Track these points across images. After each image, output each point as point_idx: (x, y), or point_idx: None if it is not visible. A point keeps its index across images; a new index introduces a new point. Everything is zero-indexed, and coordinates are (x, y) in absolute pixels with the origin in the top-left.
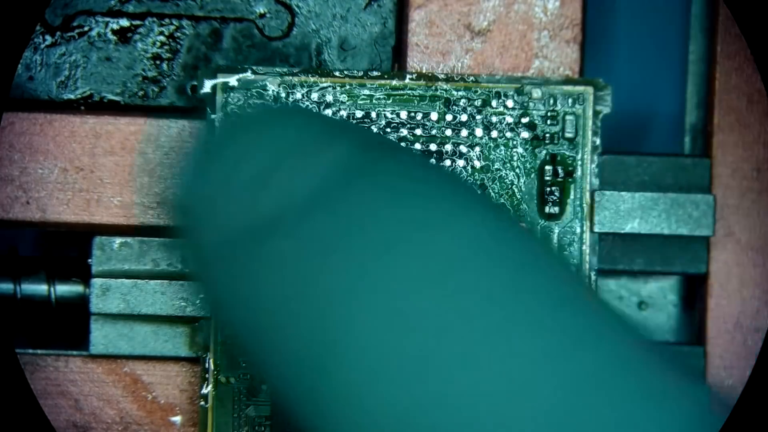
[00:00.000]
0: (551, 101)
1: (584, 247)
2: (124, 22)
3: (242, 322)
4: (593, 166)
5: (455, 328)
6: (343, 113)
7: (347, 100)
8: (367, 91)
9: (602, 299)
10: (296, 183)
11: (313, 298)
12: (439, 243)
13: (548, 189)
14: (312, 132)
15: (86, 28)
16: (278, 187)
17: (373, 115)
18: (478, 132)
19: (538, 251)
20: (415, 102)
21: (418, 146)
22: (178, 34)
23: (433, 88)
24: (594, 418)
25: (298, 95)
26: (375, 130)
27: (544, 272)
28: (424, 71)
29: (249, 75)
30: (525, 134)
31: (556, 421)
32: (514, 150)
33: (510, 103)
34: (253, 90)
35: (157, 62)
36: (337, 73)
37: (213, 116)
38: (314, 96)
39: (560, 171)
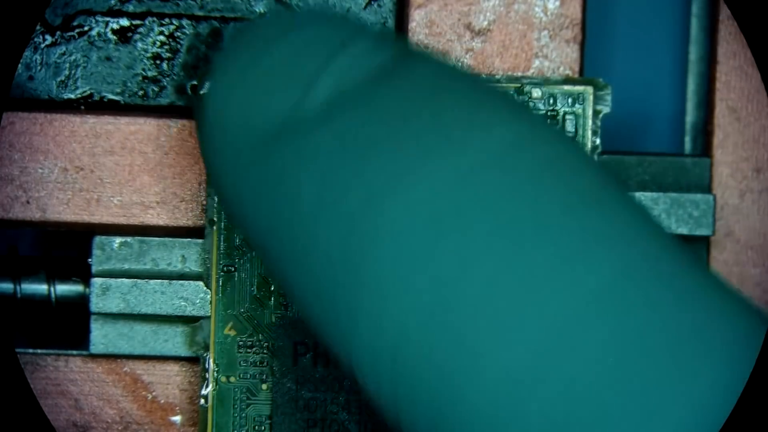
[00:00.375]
0: (551, 101)
1: None
2: (124, 22)
3: (273, 218)
4: None
5: (491, 230)
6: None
7: None
8: None
9: (634, 201)
10: (341, 79)
11: (354, 190)
12: (481, 143)
13: None
14: (321, 36)
15: (86, 28)
16: (324, 83)
17: None
18: None
19: (569, 152)
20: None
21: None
22: (178, 33)
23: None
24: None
25: None
26: None
27: (573, 172)
28: None
29: None
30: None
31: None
32: None
33: None
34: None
35: (157, 62)
36: None
37: None
38: None
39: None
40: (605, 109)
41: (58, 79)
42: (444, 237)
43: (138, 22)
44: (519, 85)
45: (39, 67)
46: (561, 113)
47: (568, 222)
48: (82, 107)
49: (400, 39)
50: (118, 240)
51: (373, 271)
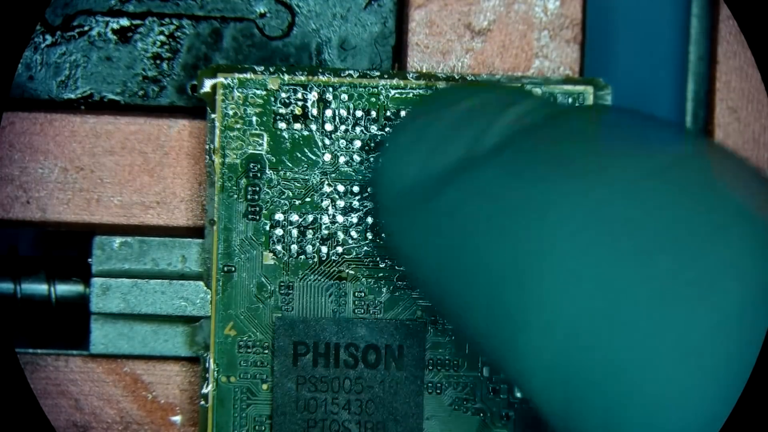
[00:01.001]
0: (551, 100)
1: None
2: (125, 22)
3: (449, 240)
4: None
5: (652, 243)
6: (343, 112)
7: (347, 100)
8: (367, 91)
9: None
10: (510, 126)
11: (522, 209)
12: (641, 164)
13: None
14: (490, 100)
15: (86, 28)
16: (494, 131)
17: (373, 114)
18: None
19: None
20: (415, 102)
21: None
22: (179, 33)
23: (433, 87)
24: None
25: (299, 95)
26: (375, 129)
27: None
28: (424, 71)
29: (249, 74)
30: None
31: None
32: None
33: None
34: (254, 89)
35: (157, 62)
36: (337, 73)
37: (213, 116)
38: (314, 95)
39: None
40: None
41: (58, 79)
42: (609, 247)
43: (138, 22)
44: (519, 84)
45: (39, 67)
46: None
47: (718, 241)
48: (82, 107)
49: (558, 103)
50: (118, 240)
51: (545, 282)
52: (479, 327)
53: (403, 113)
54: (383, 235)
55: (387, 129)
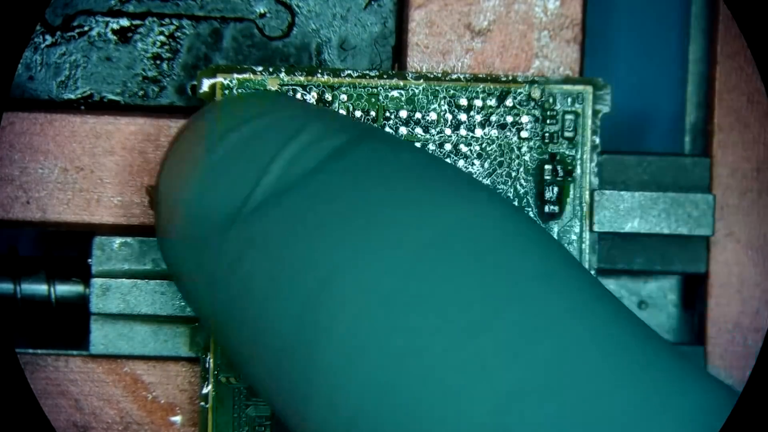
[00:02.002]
0: (551, 100)
1: (584, 247)
2: (125, 22)
3: (229, 303)
4: (593, 165)
5: (440, 310)
6: (343, 113)
7: (347, 100)
8: (366, 91)
9: (585, 273)
10: (291, 166)
11: (303, 274)
12: (427, 224)
13: (548, 188)
14: (272, 125)
15: (86, 28)
16: (274, 171)
17: (373, 114)
18: (478, 131)
19: (524, 228)
20: (415, 102)
21: (417, 146)
22: (179, 33)
23: (433, 87)
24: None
25: (298, 95)
26: None
27: (530, 249)
28: (424, 71)
29: (248, 75)
30: (524, 133)
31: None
32: (514, 149)
33: (509, 103)
34: (253, 90)
35: (157, 62)
36: (336, 73)
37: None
38: (314, 95)
39: (560, 170)
40: (605, 109)
41: (58, 80)
42: (395, 317)
43: (138, 22)
44: (519, 84)
45: (39, 68)
46: (560, 113)
47: (514, 302)
48: (82, 107)
49: (356, 122)
50: (118, 240)
51: (326, 356)
52: (266, 390)
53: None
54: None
55: (386, 129)
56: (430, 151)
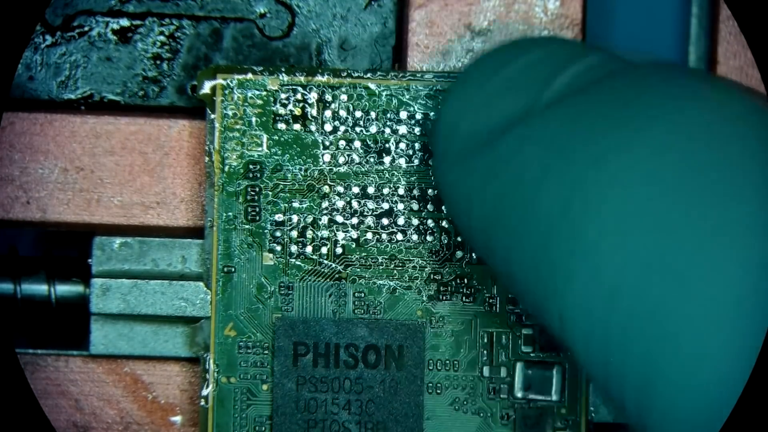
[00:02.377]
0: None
1: None
2: (125, 22)
3: (502, 189)
4: None
5: (679, 229)
6: (343, 113)
7: (347, 100)
8: (367, 91)
9: None
10: (572, 80)
11: (576, 158)
12: (685, 121)
13: None
14: (553, 54)
15: (86, 28)
16: (556, 85)
17: (373, 114)
18: None
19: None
20: (415, 101)
21: (417, 146)
22: (179, 33)
23: (433, 87)
24: None
25: (299, 95)
26: (374, 129)
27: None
28: (424, 71)
29: (248, 75)
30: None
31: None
32: None
33: None
34: (253, 90)
35: (157, 62)
36: (337, 73)
37: (212, 116)
38: (314, 95)
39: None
40: None
41: (58, 80)
42: (657, 201)
43: (138, 22)
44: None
45: (39, 68)
46: None
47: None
48: (82, 107)
49: (622, 59)
50: (118, 240)
51: (591, 232)
52: (524, 275)
53: (468, 63)
54: (436, 184)
55: (386, 129)
56: (431, 150)
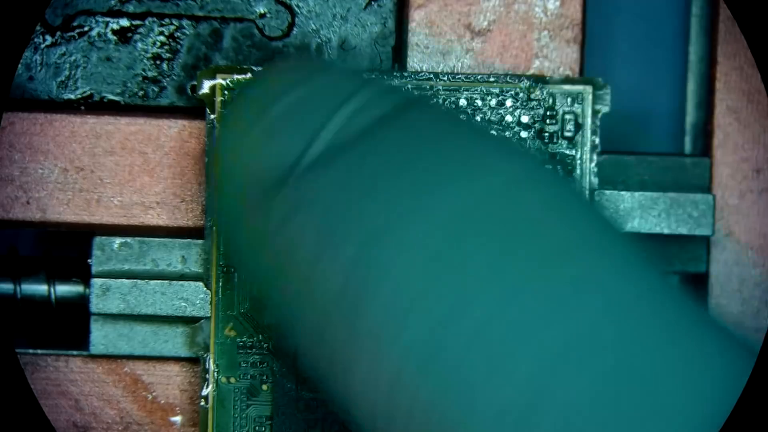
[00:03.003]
0: (550, 100)
1: None
2: (125, 22)
3: (276, 261)
4: (592, 165)
5: (485, 270)
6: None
7: None
8: None
9: (627, 243)
10: (343, 128)
11: (350, 235)
12: (472, 187)
13: None
14: (327, 88)
15: (86, 28)
16: (327, 132)
17: None
18: None
19: (564, 195)
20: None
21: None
22: (179, 34)
23: (433, 88)
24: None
25: None
26: None
27: (568, 214)
28: (424, 71)
29: (248, 75)
30: (524, 133)
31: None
32: None
33: (509, 103)
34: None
35: (157, 62)
36: None
37: (212, 117)
38: None
39: (559, 170)
40: (604, 109)
41: (58, 80)
42: (438, 277)
43: (138, 22)
44: (519, 84)
45: (39, 68)
46: (560, 113)
47: (561, 263)
48: (82, 107)
49: (403, 91)
50: (118, 240)
51: (369, 319)
52: (308, 349)
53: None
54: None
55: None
56: None
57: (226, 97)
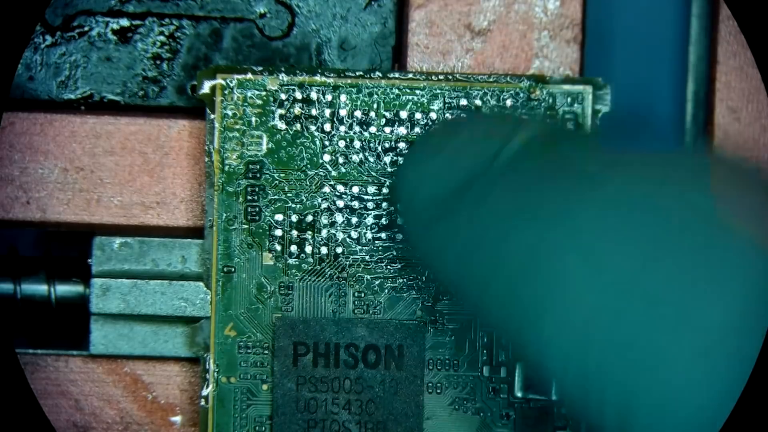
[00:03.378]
0: (550, 100)
1: None
2: (125, 22)
3: (467, 251)
4: None
5: (649, 248)
6: (343, 112)
7: (347, 100)
8: (367, 91)
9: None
10: (516, 152)
11: (531, 222)
12: (624, 185)
13: None
14: (503, 123)
15: (86, 28)
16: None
17: (373, 114)
18: None
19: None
20: (415, 102)
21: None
22: (179, 34)
23: (433, 88)
24: None
25: (298, 95)
26: (374, 129)
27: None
28: (424, 71)
29: (248, 75)
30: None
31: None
32: None
33: (509, 103)
34: (253, 90)
35: (157, 62)
36: (337, 73)
37: (212, 117)
38: (314, 95)
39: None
40: (604, 109)
41: (58, 80)
42: (614, 250)
43: (138, 22)
44: (519, 84)
45: (39, 68)
46: (560, 113)
47: (695, 244)
48: (82, 107)
49: (557, 125)
50: (118, 240)
51: (566, 274)
52: (498, 316)
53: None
54: (407, 241)
55: (386, 129)
56: None
57: (226, 96)
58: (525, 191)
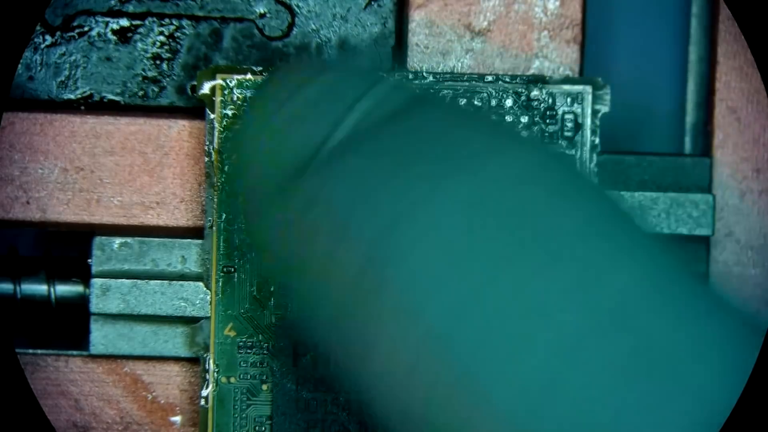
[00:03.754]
0: (550, 100)
1: None
2: (124, 22)
3: (297, 247)
4: (592, 165)
5: (499, 258)
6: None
7: None
8: None
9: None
10: (364, 117)
11: (369, 219)
12: (489, 173)
13: None
14: (343, 83)
15: (86, 28)
16: (349, 121)
17: None
18: None
19: (579, 182)
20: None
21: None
22: (178, 34)
23: (433, 88)
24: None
25: None
26: None
27: (582, 200)
28: (424, 71)
29: (248, 75)
30: (524, 133)
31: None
32: None
33: (509, 103)
34: (253, 89)
35: (157, 62)
36: None
37: (212, 116)
38: None
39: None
40: (604, 109)
41: (58, 80)
42: (456, 262)
43: (138, 22)
44: (518, 84)
45: (39, 68)
46: (560, 113)
47: (577, 247)
48: (82, 107)
49: (415, 87)
50: (118, 240)
51: (387, 305)
52: (327, 336)
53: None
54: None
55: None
56: None
57: (226, 97)
58: (360, 184)
